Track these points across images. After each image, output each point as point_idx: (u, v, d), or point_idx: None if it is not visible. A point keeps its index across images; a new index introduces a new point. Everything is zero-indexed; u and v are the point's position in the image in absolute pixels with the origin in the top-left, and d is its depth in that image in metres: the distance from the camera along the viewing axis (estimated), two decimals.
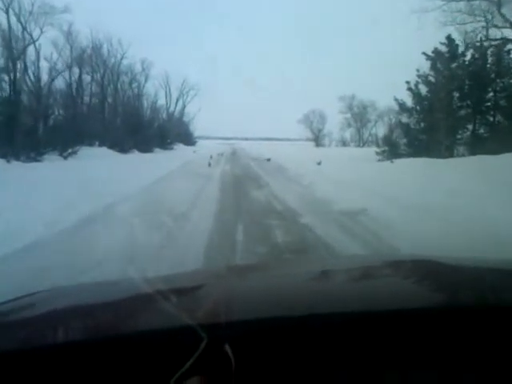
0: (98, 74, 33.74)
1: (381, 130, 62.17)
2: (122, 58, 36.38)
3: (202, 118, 62.92)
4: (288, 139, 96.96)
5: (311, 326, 0.71)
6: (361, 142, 60.66)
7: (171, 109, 55.95)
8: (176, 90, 56.28)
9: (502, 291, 0.95)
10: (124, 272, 3.11)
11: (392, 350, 0.69)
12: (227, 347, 0.62)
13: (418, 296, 0.90)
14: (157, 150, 34.41)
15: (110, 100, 35.27)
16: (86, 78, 32.14)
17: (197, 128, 63.57)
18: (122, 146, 26.46)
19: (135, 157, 25.44)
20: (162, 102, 53.52)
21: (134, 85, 40.25)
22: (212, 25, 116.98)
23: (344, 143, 61.84)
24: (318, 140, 62.43)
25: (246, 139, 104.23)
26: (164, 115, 53.96)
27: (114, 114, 33.15)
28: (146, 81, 42.39)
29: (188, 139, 57.83)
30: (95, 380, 0.62)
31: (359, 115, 60.28)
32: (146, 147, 30.67)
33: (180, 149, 42.62)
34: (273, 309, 0.80)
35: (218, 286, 1.08)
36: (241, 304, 0.87)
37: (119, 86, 36.98)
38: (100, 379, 0.62)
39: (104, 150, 25.09)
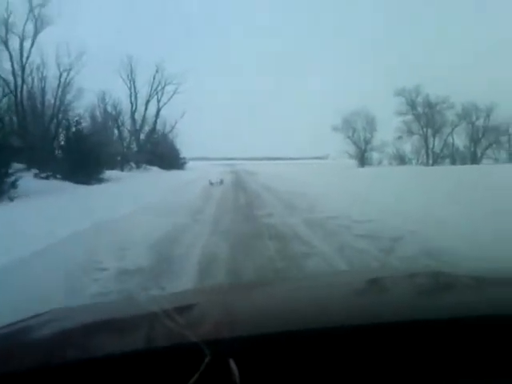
0: None
1: (460, 140, 42.45)
2: None
3: (194, 133, 42.72)
4: (305, 157, 77.94)
5: (315, 340, 0.72)
6: (429, 158, 40.51)
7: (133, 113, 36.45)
8: (146, 84, 37.01)
9: (502, 300, 0.92)
10: None
11: (399, 364, 0.69)
12: (231, 362, 0.62)
13: (426, 308, 0.89)
14: (62, 184, 14.28)
15: None
16: None
17: (188, 145, 43.41)
18: None
19: None
20: (123, 99, 34.33)
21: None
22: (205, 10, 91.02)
23: (401, 160, 41.83)
24: (363, 156, 41.97)
25: (251, 159, 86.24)
26: (129, 118, 34.54)
27: None
28: (35, 35, 20.92)
29: (169, 159, 37.87)
30: None
31: (426, 117, 40.36)
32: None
33: (123, 182, 21.78)
34: (276, 323, 0.81)
35: (221, 303, 1.10)
36: (244, 319, 0.88)
37: None
38: None
39: None
